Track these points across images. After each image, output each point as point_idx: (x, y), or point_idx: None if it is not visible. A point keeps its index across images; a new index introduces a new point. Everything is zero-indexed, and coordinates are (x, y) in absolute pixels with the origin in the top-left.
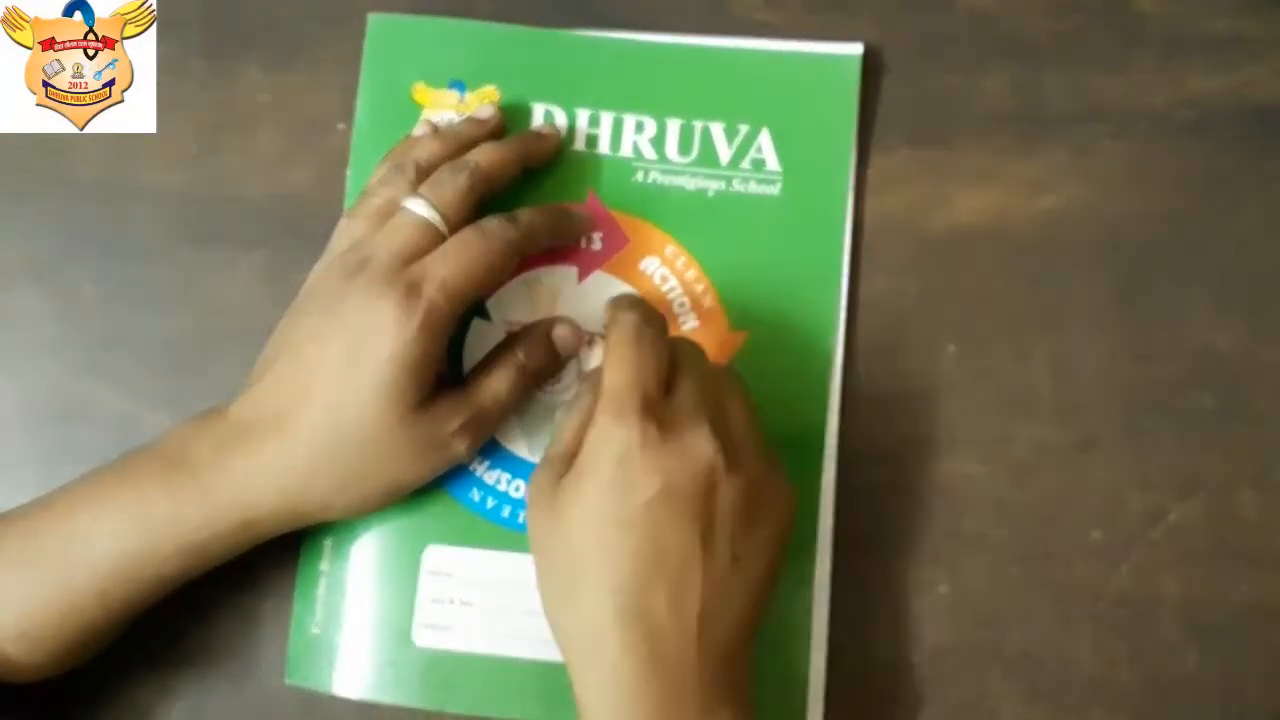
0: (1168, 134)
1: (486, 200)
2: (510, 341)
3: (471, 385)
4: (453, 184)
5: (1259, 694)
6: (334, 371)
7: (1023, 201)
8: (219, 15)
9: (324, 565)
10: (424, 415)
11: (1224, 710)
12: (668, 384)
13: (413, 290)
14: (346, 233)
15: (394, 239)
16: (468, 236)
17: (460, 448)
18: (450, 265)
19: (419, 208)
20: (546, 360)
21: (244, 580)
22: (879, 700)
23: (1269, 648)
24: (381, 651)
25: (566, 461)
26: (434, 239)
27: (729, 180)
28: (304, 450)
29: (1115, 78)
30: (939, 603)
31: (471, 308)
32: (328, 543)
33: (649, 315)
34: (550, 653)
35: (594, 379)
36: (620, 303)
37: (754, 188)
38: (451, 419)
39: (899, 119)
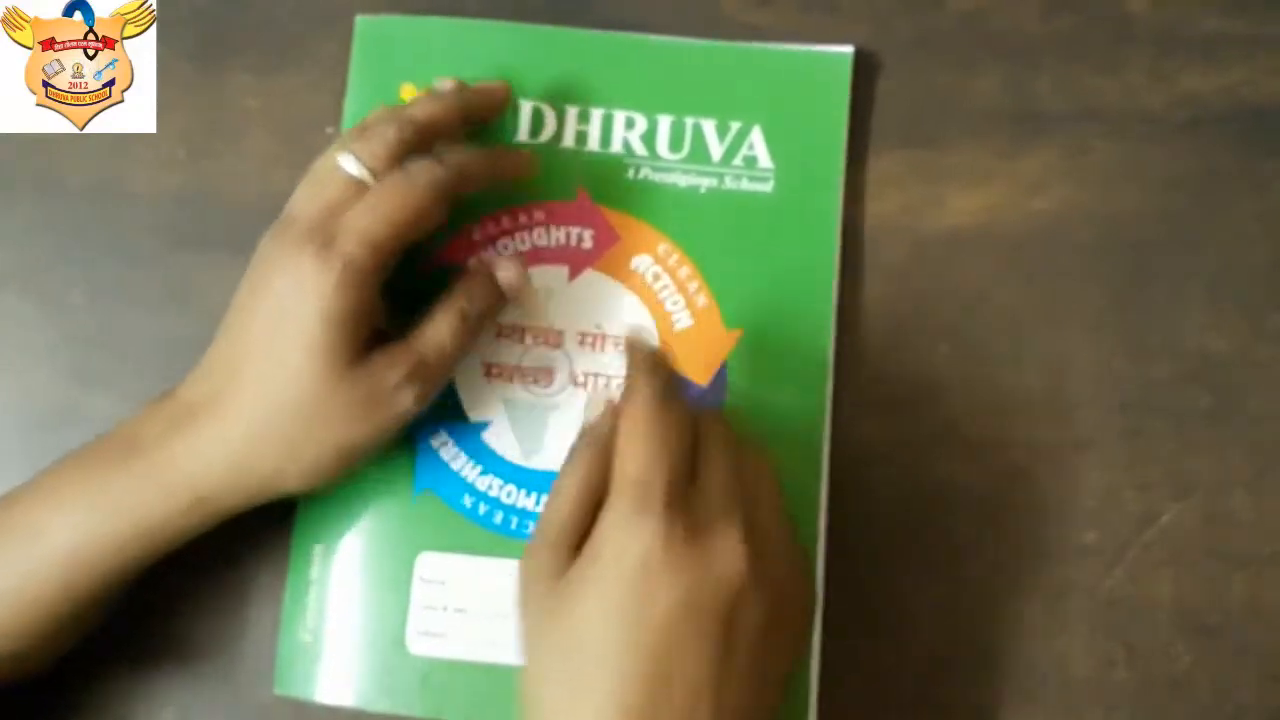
0: (1161, 134)
1: (425, 152)
2: (453, 288)
3: (413, 336)
4: (382, 136)
5: (1253, 695)
6: (263, 337)
7: (1016, 202)
8: (207, 19)
9: (314, 573)
10: (360, 370)
11: (1218, 711)
12: (693, 466)
13: (328, 243)
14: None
15: (316, 197)
16: (389, 181)
17: (406, 401)
18: (371, 214)
19: (347, 163)
20: (491, 303)
21: (233, 587)
22: (874, 701)
23: (1263, 649)
24: (375, 659)
25: (569, 541)
26: (359, 192)
27: (721, 177)
28: (242, 419)
29: (1108, 78)
30: (934, 604)
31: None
32: (318, 550)
33: (670, 387)
34: None
35: (595, 434)
36: (637, 362)
37: (746, 185)
38: (391, 371)
39: (892, 121)
